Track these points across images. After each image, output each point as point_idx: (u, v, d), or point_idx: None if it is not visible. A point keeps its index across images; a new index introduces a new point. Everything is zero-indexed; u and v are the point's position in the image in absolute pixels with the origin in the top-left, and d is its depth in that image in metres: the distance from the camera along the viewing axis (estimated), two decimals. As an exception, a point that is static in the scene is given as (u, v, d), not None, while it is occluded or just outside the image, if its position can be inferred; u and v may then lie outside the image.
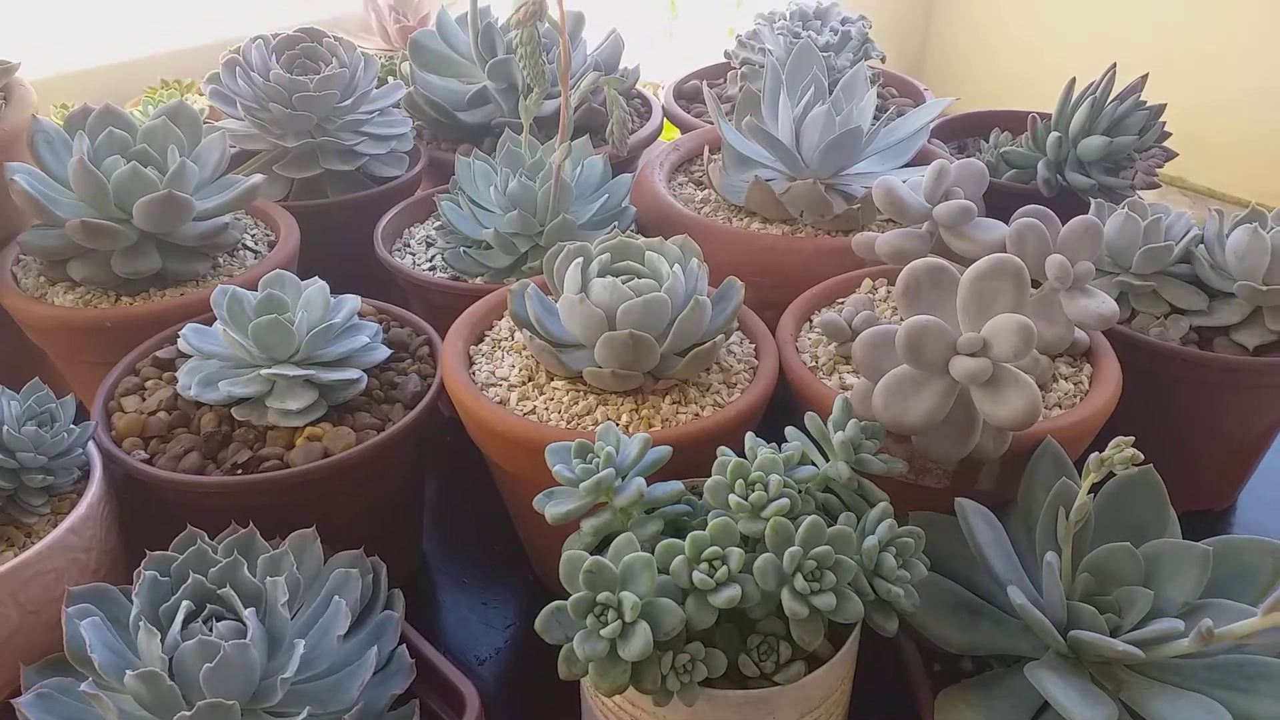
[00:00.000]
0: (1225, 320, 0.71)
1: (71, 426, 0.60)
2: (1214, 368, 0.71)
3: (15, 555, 0.55)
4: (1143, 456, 0.50)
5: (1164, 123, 0.88)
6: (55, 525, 0.57)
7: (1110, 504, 0.57)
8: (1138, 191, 0.88)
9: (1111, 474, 0.52)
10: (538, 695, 0.67)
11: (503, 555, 0.77)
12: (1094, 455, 0.52)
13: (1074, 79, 0.90)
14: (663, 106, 1.11)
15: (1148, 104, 0.88)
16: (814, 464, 0.55)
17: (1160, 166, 0.86)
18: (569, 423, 0.63)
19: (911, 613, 0.51)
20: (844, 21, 1.13)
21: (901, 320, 0.58)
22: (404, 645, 0.56)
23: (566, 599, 0.48)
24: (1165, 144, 0.88)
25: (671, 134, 1.09)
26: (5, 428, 0.57)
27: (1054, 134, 0.89)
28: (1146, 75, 0.88)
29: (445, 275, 0.83)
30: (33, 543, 0.57)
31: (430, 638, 0.58)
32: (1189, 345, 0.72)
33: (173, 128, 0.78)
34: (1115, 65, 0.88)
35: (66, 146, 0.77)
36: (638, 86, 1.13)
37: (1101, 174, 0.88)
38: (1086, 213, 0.68)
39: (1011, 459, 0.60)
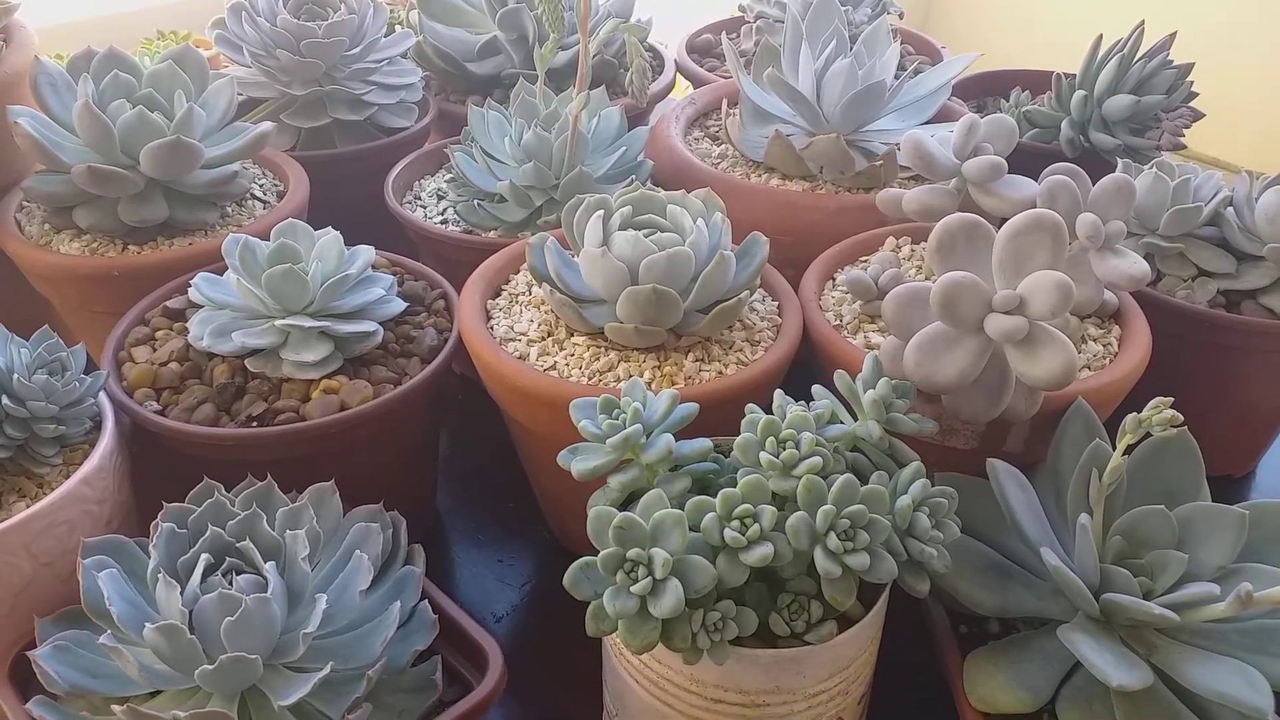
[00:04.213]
0: (1253, 284, 0.70)
1: (83, 376, 0.59)
2: (1241, 331, 0.70)
3: (28, 506, 0.54)
4: (1182, 418, 0.49)
5: (1191, 82, 0.86)
6: (67, 476, 0.56)
7: (1142, 467, 0.57)
8: (1163, 153, 0.86)
9: (1147, 435, 0.51)
10: (557, 652, 0.66)
11: (518, 513, 0.77)
12: (1131, 416, 0.51)
13: (1100, 36, 0.88)
14: (675, 60, 1.08)
15: (1175, 63, 0.86)
16: (842, 423, 0.54)
17: (1188, 127, 0.85)
18: (590, 379, 0.62)
19: (943, 574, 0.50)
20: (861, -25, 1.10)
21: (930, 278, 0.57)
22: (425, 601, 0.55)
23: (582, 557, 0.48)
24: (1192, 104, 0.87)
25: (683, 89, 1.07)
26: (16, 376, 0.55)
27: (1079, 92, 0.87)
28: (1174, 34, 0.86)
29: (458, 228, 0.82)
30: (45, 494, 0.56)
31: (446, 595, 0.57)
32: (1216, 308, 0.71)
33: (179, 72, 0.76)
34: (1143, 23, 0.87)
35: (70, 90, 0.75)
36: (649, 40, 1.11)
37: (1127, 134, 0.86)
38: (1111, 174, 0.67)
39: (1040, 420, 0.59)
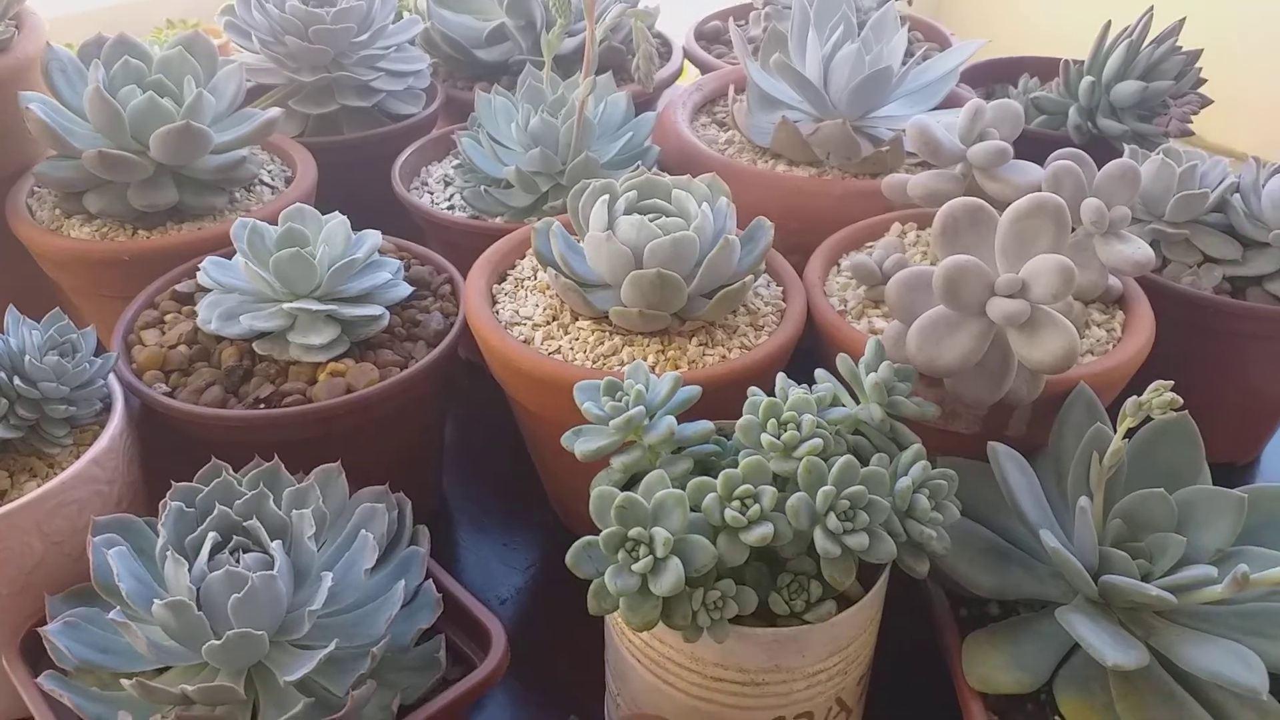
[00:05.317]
0: (1259, 270, 0.70)
1: (93, 358, 0.59)
2: (1246, 318, 0.70)
3: (39, 486, 0.55)
4: (1181, 401, 0.49)
5: (1200, 68, 0.86)
6: (78, 457, 0.57)
7: (1143, 450, 0.57)
8: (1171, 139, 0.86)
9: (1148, 419, 0.51)
10: (560, 634, 0.67)
11: (522, 497, 0.77)
12: (1131, 399, 0.51)
13: (1109, 22, 0.88)
14: (683, 47, 1.09)
15: (1183, 49, 0.86)
16: (844, 406, 0.54)
17: (1196, 113, 0.84)
18: (594, 363, 0.62)
19: (942, 555, 0.51)
20: (870, -38, 1.10)
21: (935, 262, 0.57)
22: (430, 581, 0.56)
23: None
24: (1200, 91, 0.87)
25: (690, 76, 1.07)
26: (27, 358, 0.56)
27: (1087, 78, 0.87)
28: (1183, 19, 0.86)
29: (464, 214, 0.82)
30: (56, 474, 0.56)
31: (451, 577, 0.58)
32: (1222, 294, 0.71)
33: (189, 58, 0.76)
34: (1152, 8, 0.86)
35: (81, 76, 0.75)
36: (657, 26, 1.11)
37: (1135, 120, 0.86)
38: (1116, 159, 0.66)
39: (1042, 405, 0.59)
